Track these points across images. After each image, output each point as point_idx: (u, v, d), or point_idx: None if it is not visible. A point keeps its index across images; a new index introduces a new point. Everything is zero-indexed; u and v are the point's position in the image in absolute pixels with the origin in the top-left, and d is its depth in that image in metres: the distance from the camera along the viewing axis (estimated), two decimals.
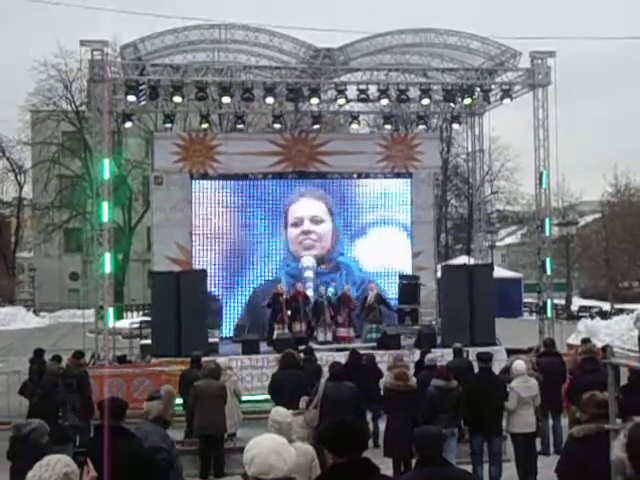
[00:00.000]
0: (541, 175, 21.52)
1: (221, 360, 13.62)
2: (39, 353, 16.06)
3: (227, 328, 22.57)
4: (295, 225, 23.68)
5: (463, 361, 13.90)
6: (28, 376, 15.54)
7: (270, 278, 23.13)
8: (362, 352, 15.12)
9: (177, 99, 20.90)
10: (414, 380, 11.78)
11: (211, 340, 19.08)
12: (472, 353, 14.56)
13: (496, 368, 12.75)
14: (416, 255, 24.08)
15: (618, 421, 5.16)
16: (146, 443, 6.60)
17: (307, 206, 23.82)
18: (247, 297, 23.29)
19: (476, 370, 12.20)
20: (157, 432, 6.94)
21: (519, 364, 11.56)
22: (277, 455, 3.65)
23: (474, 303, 19.35)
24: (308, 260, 23.12)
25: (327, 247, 23.77)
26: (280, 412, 6.43)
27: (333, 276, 23.21)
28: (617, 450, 2.98)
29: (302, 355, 14.57)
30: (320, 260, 23.36)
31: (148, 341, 19.79)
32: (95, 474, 4.40)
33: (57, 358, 14.51)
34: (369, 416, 12.70)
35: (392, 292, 22.94)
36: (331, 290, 21.07)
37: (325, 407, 9.97)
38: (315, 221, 23.79)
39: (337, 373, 10.70)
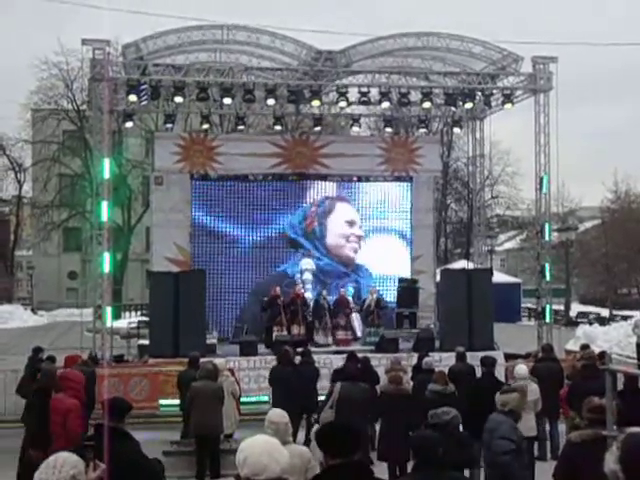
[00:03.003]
0: (541, 180, 21.50)
1: (219, 361, 13.59)
2: (37, 351, 16.01)
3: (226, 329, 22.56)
4: (349, 224, 24.01)
5: (465, 365, 13.84)
6: (22, 374, 15.53)
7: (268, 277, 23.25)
8: (359, 355, 15.09)
9: (178, 99, 20.89)
10: (410, 385, 11.77)
11: (209, 341, 19.05)
12: (470, 357, 14.52)
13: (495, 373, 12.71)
14: (415, 259, 24.08)
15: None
16: (496, 433, 7.42)
17: (354, 212, 24.16)
18: (246, 297, 23.29)
19: (478, 374, 12.21)
20: (508, 423, 7.59)
21: (521, 368, 11.60)
22: (269, 456, 3.64)
23: (473, 307, 19.31)
24: (307, 262, 23.14)
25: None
26: (277, 413, 6.39)
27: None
28: (610, 462, 2.94)
29: (300, 357, 14.64)
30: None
31: (146, 341, 19.75)
32: (101, 474, 4.35)
33: (51, 359, 14.49)
34: None
35: (390, 295, 22.92)
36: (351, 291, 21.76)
37: (339, 408, 10.10)
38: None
39: (351, 374, 10.82)
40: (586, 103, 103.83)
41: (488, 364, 11.57)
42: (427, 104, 22.00)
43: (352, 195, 24.20)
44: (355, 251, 23.88)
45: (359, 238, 23.96)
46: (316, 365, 14.85)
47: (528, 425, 11.16)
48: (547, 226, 21.90)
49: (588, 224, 55.44)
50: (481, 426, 10.83)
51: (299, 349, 15.69)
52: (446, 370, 12.41)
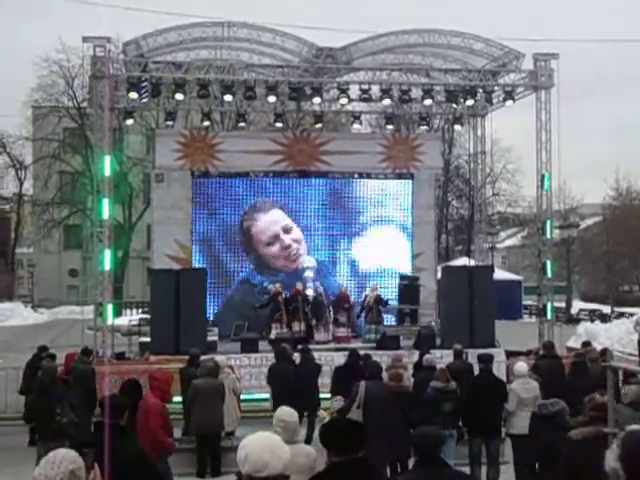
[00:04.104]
0: (543, 177, 21.47)
1: (220, 358, 13.59)
2: (42, 350, 15.92)
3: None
4: (271, 244, 23.43)
5: (463, 363, 13.85)
6: (23, 372, 15.51)
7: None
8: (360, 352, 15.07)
9: (179, 96, 20.86)
10: (410, 382, 11.76)
11: (210, 338, 19.05)
12: (471, 355, 14.53)
13: (495, 370, 12.72)
14: (416, 256, 24.05)
15: None
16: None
17: (272, 219, 23.51)
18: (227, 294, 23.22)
19: (476, 371, 12.21)
20: (636, 417, 7.54)
21: (520, 365, 11.58)
22: (271, 452, 3.64)
23: (474, 305, 19.28)
24: (309, 260, 23.07)
25: (305, 248, 23.65)
26: (287, 411, 6.34)
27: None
28: (610, 460, 2.93)
29: (300, 354, 14.65)
30: None
31: (147, 338, 19.74)
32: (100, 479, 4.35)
33: (51, 356, 14.49)
34: None
35: (391, 292, 22.90)
36: (320, 289, 21.42)
37: (369, 406, 10.12)
38: (287, 230, 23.60)
39: (373, 373, 10.85)
40: (587, 101, 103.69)
41: (485, 361, 11.57)
42: (428, 101, 21.98)
43: (352, 191, 24.11)
44: (296, 257, 23.33)
45: (296, 241, 23.45)
46: (317, 362, 14.86)
47: (526, 423, 11.15)
48: (548, 223, 21.88)
49: (589, 221, 55.45)
50: (479, 422, 10.89)
51: (299, 346, 15.68)
52: None
